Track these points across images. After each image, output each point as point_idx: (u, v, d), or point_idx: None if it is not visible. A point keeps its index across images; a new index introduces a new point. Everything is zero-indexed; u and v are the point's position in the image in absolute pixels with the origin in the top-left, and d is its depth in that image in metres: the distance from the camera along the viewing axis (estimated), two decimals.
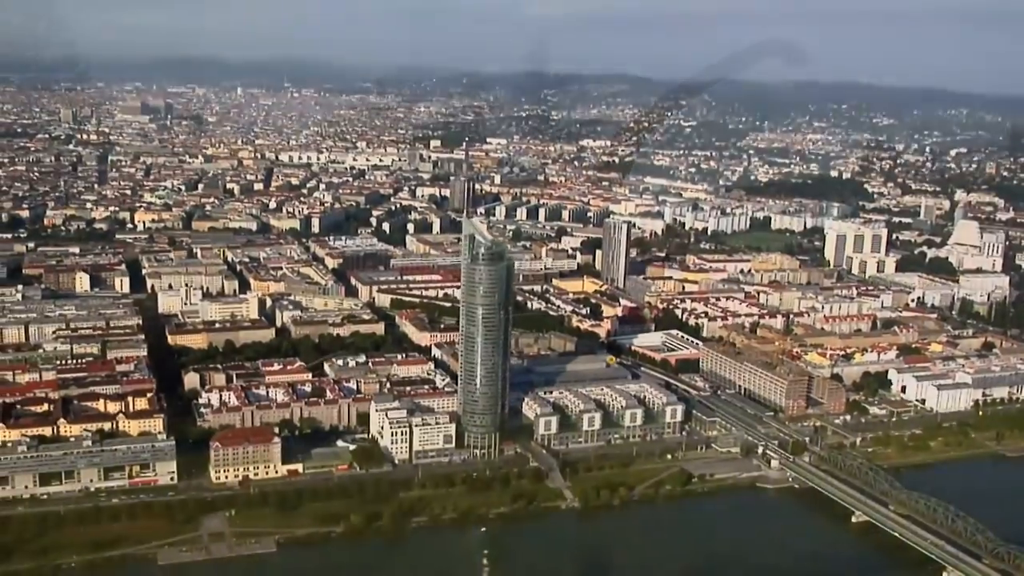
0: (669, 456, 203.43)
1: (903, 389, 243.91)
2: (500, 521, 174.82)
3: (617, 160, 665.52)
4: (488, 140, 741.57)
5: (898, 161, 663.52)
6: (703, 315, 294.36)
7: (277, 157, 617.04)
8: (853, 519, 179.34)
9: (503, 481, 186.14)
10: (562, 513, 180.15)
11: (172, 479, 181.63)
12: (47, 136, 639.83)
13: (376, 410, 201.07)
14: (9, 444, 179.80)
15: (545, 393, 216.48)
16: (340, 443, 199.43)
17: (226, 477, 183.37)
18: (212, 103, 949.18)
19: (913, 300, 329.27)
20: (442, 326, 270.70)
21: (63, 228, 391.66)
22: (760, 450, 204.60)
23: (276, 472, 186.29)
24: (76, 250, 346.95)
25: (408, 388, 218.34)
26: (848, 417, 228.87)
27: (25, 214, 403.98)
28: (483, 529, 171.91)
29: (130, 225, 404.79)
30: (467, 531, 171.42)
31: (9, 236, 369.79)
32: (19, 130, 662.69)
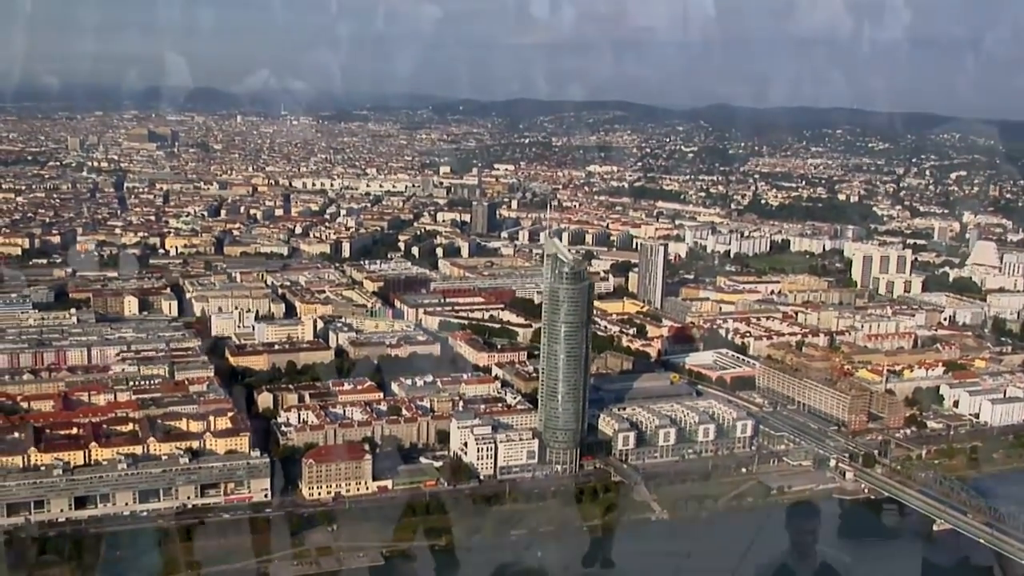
0: (744, 470, 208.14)
1: (955, 404, 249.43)
2: (597, 533, 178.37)
3: (626, 185, 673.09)
4: (495, 166, 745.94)
5: (901, 184, 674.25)
6: (747, 334, 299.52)
7: (291, 184, 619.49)
8: (935, 527, 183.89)
9: (591, 494, 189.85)
10: (654, 524, 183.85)
11: (266, 496, 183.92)
12: (58, 164, 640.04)
13: (459, 427, 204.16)
14: (105, 462, 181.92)
15: (619, 409, 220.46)
16: (423, 460, 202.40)
17: (319, 493, 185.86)
18: (214, 131, 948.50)
19: (945, 319, 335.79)
20: (499, 347, 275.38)
21: (96, 253, 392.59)
22: (833, 462, 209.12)
23: (367, 488, 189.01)
24: (114, 274, 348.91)
25: (482, 406, 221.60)
26: (908, 431, 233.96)
27: (56, 240, 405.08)
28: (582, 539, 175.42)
29: (162, 250, 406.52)
30: (566, 541, 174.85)
31: (45, 261, 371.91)
32: (29, 158, 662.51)
